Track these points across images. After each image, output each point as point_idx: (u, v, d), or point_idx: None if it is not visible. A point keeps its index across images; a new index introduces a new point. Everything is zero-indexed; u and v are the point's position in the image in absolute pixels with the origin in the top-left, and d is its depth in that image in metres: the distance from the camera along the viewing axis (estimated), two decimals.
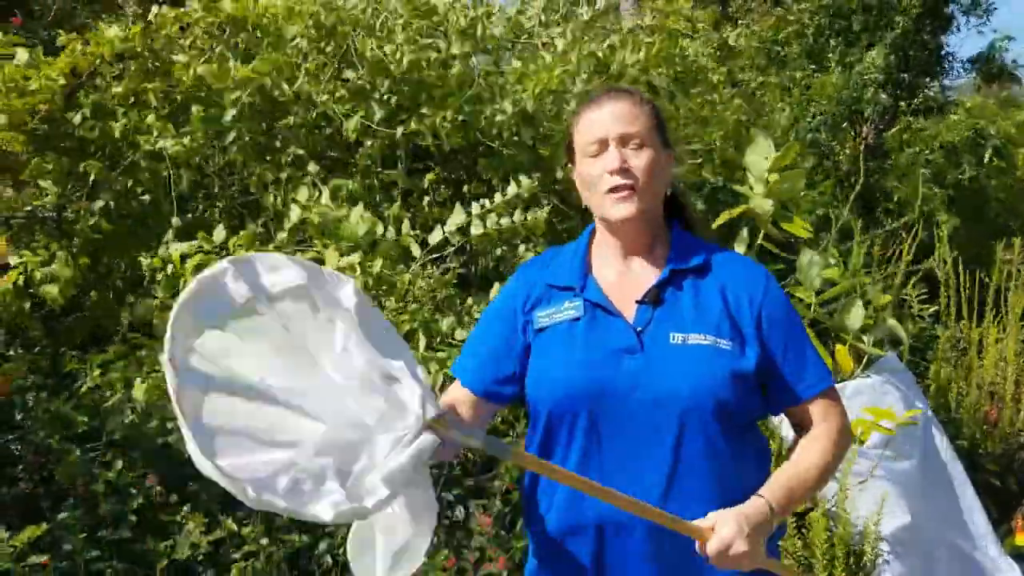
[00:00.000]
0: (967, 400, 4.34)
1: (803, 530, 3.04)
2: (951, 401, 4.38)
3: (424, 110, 3.55)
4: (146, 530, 2.75)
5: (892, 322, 3.50)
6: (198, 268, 2.87)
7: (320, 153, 3.68)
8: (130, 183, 3.53)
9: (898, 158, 7.50)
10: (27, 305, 3.44)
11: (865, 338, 3.39)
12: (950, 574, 3.37)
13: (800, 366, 1.66)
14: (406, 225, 3.24)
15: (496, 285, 3.29)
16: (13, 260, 3.45)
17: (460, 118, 3.54)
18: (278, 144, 3.60)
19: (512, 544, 2.93)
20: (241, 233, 3.11)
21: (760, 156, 2.78)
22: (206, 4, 3.59)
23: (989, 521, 3.59)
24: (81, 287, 3.53)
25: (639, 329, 1.62)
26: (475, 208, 3.30)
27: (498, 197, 3.33)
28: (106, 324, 3.59)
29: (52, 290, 3.35)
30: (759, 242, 3.02)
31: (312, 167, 3.47)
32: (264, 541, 2.73)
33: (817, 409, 1.67)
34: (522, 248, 3.59)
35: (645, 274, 1.69)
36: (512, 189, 3.34)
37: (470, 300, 3.34)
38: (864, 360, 3.48)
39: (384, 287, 3.03)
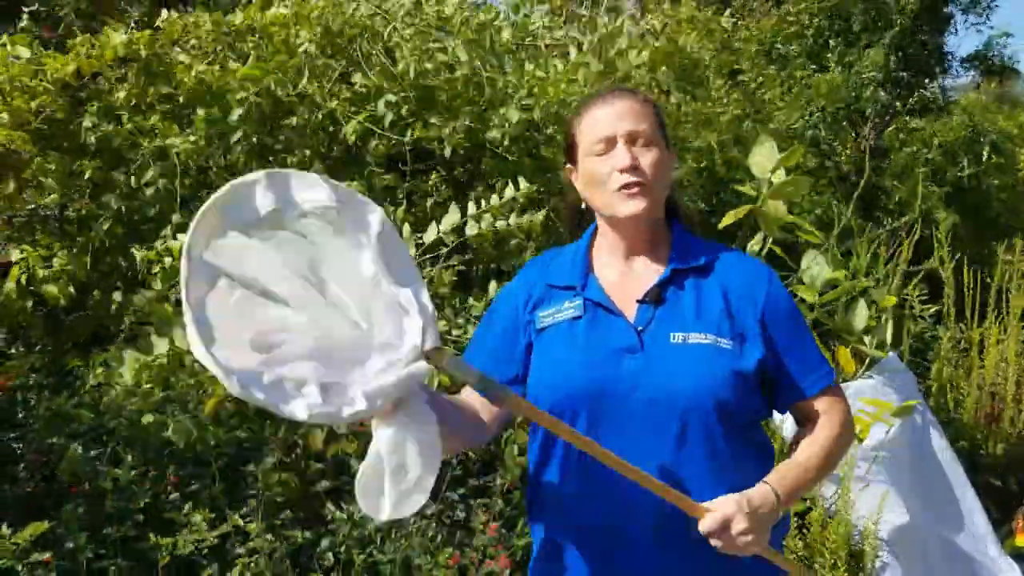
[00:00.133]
0: (968, 401, 4.35)
1: (804, 530, 3.05)
2: (952, 402, 4.39)
3: (432, 119, 3.56)
4: (149, 527, 2.75)
5: (886, 325, 3.51)
6: None
7: (324, 154, 3.69)
8: (132, 182, 3.53)
9: (896, 158, 7.50)
10: (29, 304, 3.45)
11: (866, 339, 3.39)
12: (950, 574, 3.38)
13: (804, 363, 1.67)
14: (407, 230, 3.24)
15: (494, 283, 3.30)
16: (15, 258, 3.46)
17: (467, 122, 3.55)
18: (279, 145, 3.61)
19: (514, 543, 2.93)
20: None
21: (764, 157, 2.78)
22: (216, 19, 3.61)
23: (989, 521, 3.60)
24: (82, 286, 3.54)
25: (640, 328, 1.62)
26: (471, 208, 3.31)
27: (495, 199, 3.34)
28: (108, 323, 3.59)
29: (53, 289, 3.36)
30: (769, 246, 3.03)
31: (316, 168, 3.48)
32: (268, 537, 2.74)
33: (821, 405, 1.67)
34: (522, 248, 3.60)
35: (647, 274, 1.69)
36: (509, 192, 3.35)
37: (471, 300, 3.35)
38: (866, 361, 3.48)
39: None
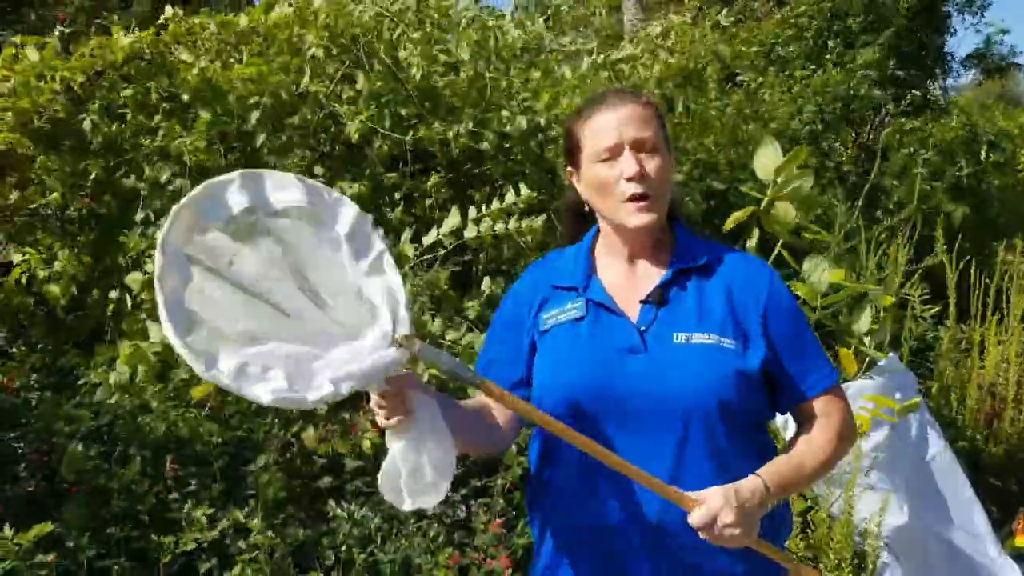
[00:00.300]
0: (968, 401, 4.35)
1: (807, 530, 3.06)
2: (953, 402, 4.39)
3: (436, 123, 3.56)
4: (151, 527, 2.75)
5: (887, 326, 3.51)
6: None
7: (325, 154, 3.69)
8: (133, 181, 3.53)
9: (894, 158, 7.50)
10: (31, 301, 3.45)
11: (867, 340, 3.39)
12: (950, 575, 3.38)
13: (805, 363, 1.67)
14: (406, 234, 3.25)
15: (487, 280, 3.30)
16: (16, 258, 3.46)
17: (470, 126, 3.55)
18: (280, 143, 3.61)
19: (514, 542, 2.93)
20: None
21: (768, 159, 2.78)
22: (221, 20, 3.61)
23: (989, 522, 3.60)
24: (82, 285, 3.54)
25: (643, 329, 1.62)
26: (471, 212, 3.31)
27: (496, 203, 3.34)
28: (107, 321, 3.59)
29: (55, 289, 3.36)
30: (779, 250, 3.03)
31: (318, 169, 3.48)
32: (269, 535, 2.74)
33: (821, 405, 1.67)
34: (520, 253, 3.60)
35: (649, 274, 1.69)
36: (510, 197, 3.35)
37: (468, 302, 3.35)
38: (866, 362, 3.48)
39: None
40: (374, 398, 1.45)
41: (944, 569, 3.35)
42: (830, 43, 7.71)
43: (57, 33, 3.59)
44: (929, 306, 4.46)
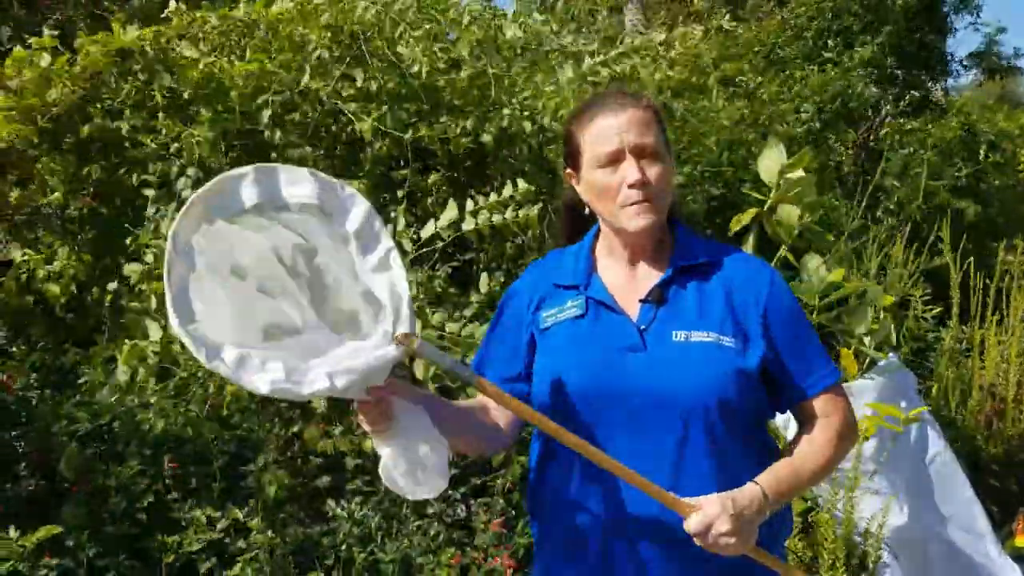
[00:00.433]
0: (969, 402, 4.35)
1: (807, 531, 3.06)
2: (953, 402, 4.39)
3: (440, 119, 3.56)
4: (151, 525, 2.75)
5: (889, 326, 3.51)
6: None
7: (326, 152, 3.69)
8: (134, 179, 3.53)
9: (894, 158, 7.50)
10: (31, 300, 3.45)
11: (867, 340, 3.39)
12: (950, 575, 3.38)
13: (806, 362, 1.66)
14: (402, 223, 3.26)
15: (484, 276, 3.30)
16: (16, 257, 3.46)
17: (470, 124, 3.55)
18: (284, 142, 3.60)
19: (516, 542, 2.93)
20: None
21: (773, 162, 2.79)
22: (221, 14, 3.61)
23: (990, 522, 3.60)
24: (82, 284, 3.54)
25: (642, 327, 1.62)
26: (468, 204, 3.31)
27: (492, 196, 3.34)
28: (107, 320, 3.59)
29: (55, 288, 3.36)
30: (784, 253, 3.03)
31: (319, 168, 3.48)
32: (269, 534, 2.74)
33: (822, 405, 1.67)
34: (522, 251, 3.60)
35: (649, 274, 1.69)
36: (508, 190, 3.35)
37: (469, 296, 3.36)
38: (866, 362, 3.49)
39: None
40: (356, 405, 1.46)
41: (944, 569, 3.35)
42: (830, 42, 7.71)
43: (47, 31, 3.56)
44: (930, 307, 4.46)
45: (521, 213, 3.33)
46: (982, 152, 7.53)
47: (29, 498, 2.85)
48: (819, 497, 3.17)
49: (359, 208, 1.50)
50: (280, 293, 1.44)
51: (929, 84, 7.97)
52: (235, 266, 1.43)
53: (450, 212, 3.29)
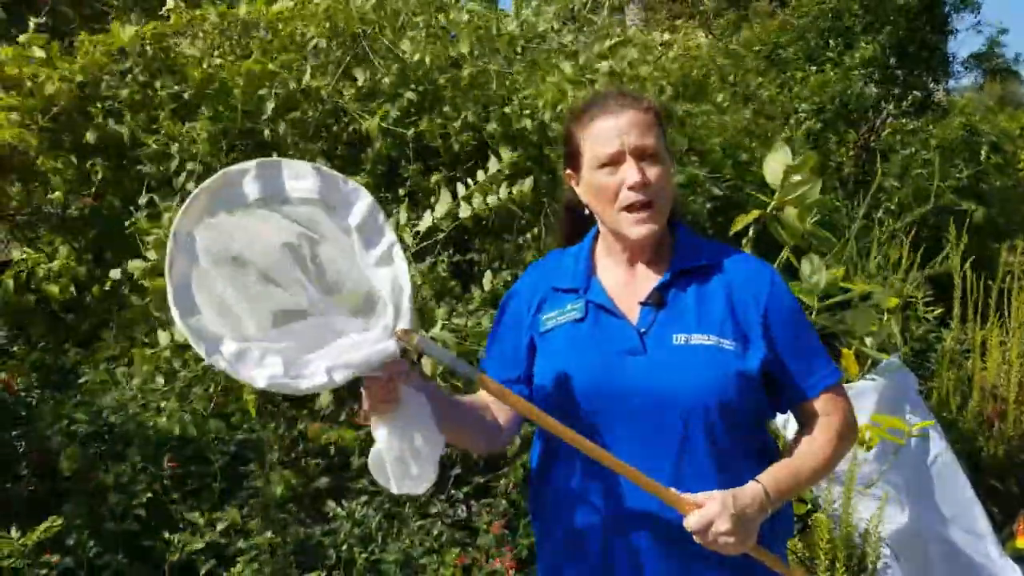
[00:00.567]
0: (970, 403, 4.35)
1: (806, 531, 3.05)
2: (953, 404, 4.38)
3: (440, 113, 3.56)
4: (152, 525, 2.75)
5: (893, 326, 3.51)
6: None
7: (327, 151, 3.69)
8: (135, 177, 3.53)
9: (894, 158, 7.50)
10: (32, 300, 3.44)
11: (868, 341, 3.39)
12: None
13: (806, 363, 1.67)
14: (404, 216, 3.25)
15: (488, 274, 3.30)
16: (16, 256, 3.46)
17: (470, 118, 3.55)
18: (285, 140, 3.60)
19: (518, 542, 2.93)
20: None
21: (779, 165, 2.79)
22: (221, 11, 3.60)
23: (990, 523, 3.60)
24: (82, 284, 3.53)
25: (642, 330, 1.63)
26: (460, 190, 3.31)
27: (480, 175, 3.33)
28: (109, 320, 3.59)
29: (55, 288, 3.36)
30: (787, 255, 3.03)
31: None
32: (269, 534, 2.74)
33: (822, 405, 1.67)
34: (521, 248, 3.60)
35: (649, 276, 1.69)
36: (493, 164, 3.33)
37: (473, 291, 3.36)
38: (868, 363, 3.49)
39: None
40: (364, 382, 1.46)
41: (945, 570, 3.35)
42: (831, 42, 7.70)
43: (33, 25, 3.55)
44: (932, 308, 4.46)
45: (515, 189, 3.31)
46: (984, 153, 7.52)
47: (29, 498, 2.85)
48: (818, 498, 3.17)
49: (362, 202, 1.51)
50: (286, 280, 1.45)
51: (930, 85, 7.97)
52: (238, 255, 1.43)
53: (444, 200, 3.28)
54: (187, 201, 1.43)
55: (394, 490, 1.50)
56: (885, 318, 3.48)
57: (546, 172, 3.77)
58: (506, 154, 3.35)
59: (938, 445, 3.59)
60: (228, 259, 1.43)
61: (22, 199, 3.59)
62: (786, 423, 3.09)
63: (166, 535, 2.70)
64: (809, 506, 3.13)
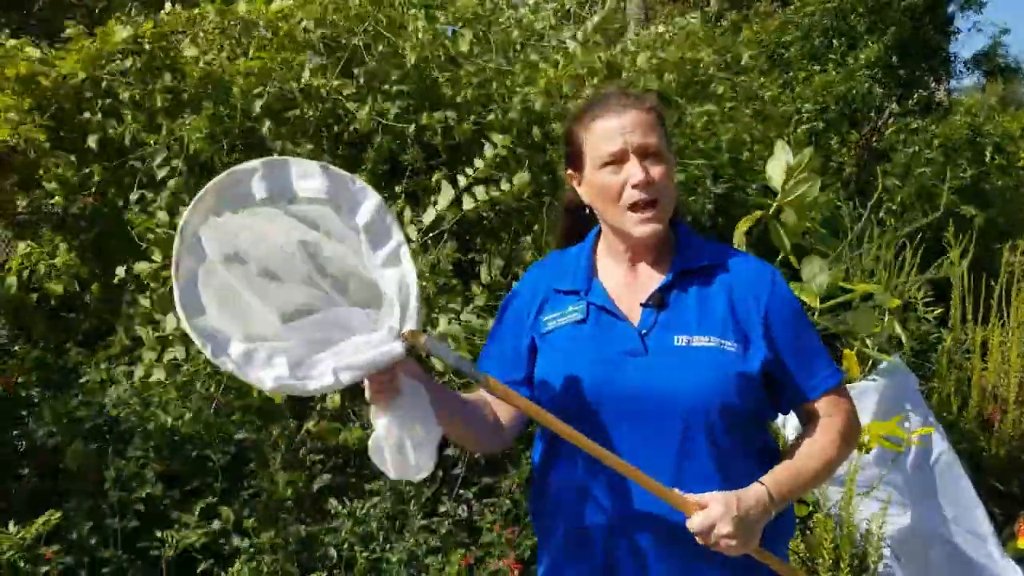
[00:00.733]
0: (971, 403, 4.34)
1: (807, 532, 3.05)
2: (954, 404, 4.38)
3: (436, 112, 3.56)
4: (153, 522, 2.75)
5: (896, 327, 3.51)
6: None
7: (327, 150, 3.68)
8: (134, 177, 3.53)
9: (896, 158, 7.49)
10: (32, 298, 3.45)
11: (870, 342, 3.39)
12: None
13: (808, 364, 1.67)
14: (408, 215, 3.25)
15: (483, 269, 3.30)
16: (20, 249, 3.46)
17: (470, 116, 3.55)
18: (284, 139, 3.60)
19: (520, 542, 2.93)
20: None
21: (781, 165, 2.79)
22: (219, 8, 3.60)
23: (992, 524, 3.60)
24: (83, 282, 3.53)
25: (644, 332, 1.63)
26: (460, 180, 3.30)
27: (478, 162, 3.33)
28: (109, 319, 3.59)
29: (56, 287, 3.36)
30: (789, 256, 3.03)
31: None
32: (270, 534, 2.74)
33: (825, 406, 1.67)
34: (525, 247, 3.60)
35: (651, 277, 1.69)
36: (489, 151, 3.33)
37: (473, 288, 3.36)
38: (869, 363, 3.48)
39: None
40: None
41: (946, 570, 3.35)
42: (835, 42, 7.70)
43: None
44: (932, 308, 4.46)
45: (516, 180, 3.31)
46: (988, 153, 7.52)
47: (31, 496, 2.85)
48: (818, 500, 3.17)
49: (370, 201, 1.50)
50: (293, 277, 1.44)
51: (933, 85, 7.96)
52: (244, 254, 1.43)
53: (446, 193, 3.28)
54: (194, 200, 1.42)
55: (392, 476, 1.51)
56: (887, 319, 3.47)
57: (546, 172, 3.77)
58: (499, 138, 3.35)
59: (939, 446, 3.59)
60: (234, 258, 1.42)
61: (22, 198, 3.59)
62: (786, 423, 3.09)
63: (167, 532, 2.70)
64: (811, 508, 3.13)
